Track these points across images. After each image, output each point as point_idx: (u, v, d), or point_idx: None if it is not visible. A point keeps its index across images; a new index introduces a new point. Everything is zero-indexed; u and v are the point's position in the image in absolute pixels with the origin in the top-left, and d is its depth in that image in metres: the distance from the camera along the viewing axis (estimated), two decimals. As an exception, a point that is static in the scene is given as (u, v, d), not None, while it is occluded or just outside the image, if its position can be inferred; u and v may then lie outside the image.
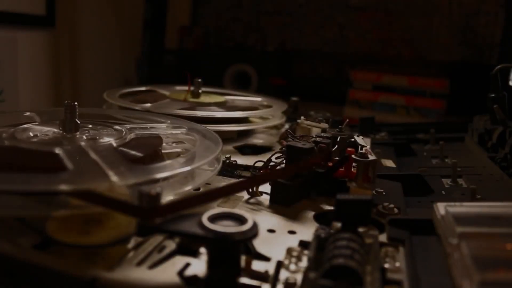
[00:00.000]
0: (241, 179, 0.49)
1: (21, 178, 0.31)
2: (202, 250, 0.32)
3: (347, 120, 0.63)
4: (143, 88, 0.86)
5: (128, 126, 0.51)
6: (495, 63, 1.44)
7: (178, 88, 0.85)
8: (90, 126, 0.49)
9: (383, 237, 0.37)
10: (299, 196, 0.44)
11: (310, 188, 0.45)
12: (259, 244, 0.33)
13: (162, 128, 0.52)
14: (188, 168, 0.38)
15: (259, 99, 0.81)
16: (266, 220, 0.39)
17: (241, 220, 0.30)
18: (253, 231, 0.29)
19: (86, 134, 0.46)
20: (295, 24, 1.90)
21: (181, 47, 1.91)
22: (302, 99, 0.89)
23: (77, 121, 0.46)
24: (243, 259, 0.30)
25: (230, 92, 0.87)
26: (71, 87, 1.45)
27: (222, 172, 0.50)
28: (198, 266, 0.30)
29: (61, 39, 1.37)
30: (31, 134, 0.45)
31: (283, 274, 0.30)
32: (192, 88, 0.78)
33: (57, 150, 0.39)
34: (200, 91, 0.77)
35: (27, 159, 0.40)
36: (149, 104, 0.66)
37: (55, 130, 0.47)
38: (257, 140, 0.67)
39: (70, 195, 0.32)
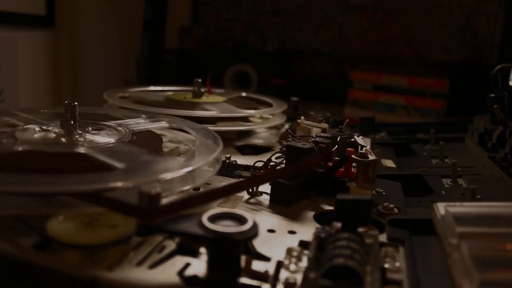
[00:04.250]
0: (241, 179, 0.49)
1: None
2: (202, 250, 0.32)
3: (347, 120, 0.63)
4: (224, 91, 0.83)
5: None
6: (495, 63, 1.44)
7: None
8: (90, 125, 0.49)
9: (383, 237, 0.37)
10: (299, 196, 0.44)
11: (310, 188, 0.45)
12: (259, 244, 0.33)
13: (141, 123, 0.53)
14: (188, 168, 0.38)
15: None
16: (266, 220, 0.39)
17: (241, 220, 0.30)
18: (253, 231, 0.29)
19: (86, 134, 0.46)
20: (295, 24, 1.90)
21: (181, 47, 1.91)
22: (302, 99, 0.89)
23: (77, 121, 0.46)
24: (243, 259, 0.30)
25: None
26: (71, 87, 1.45)
27: (222, 172, 0.50)
28: (198, 266, 0.30)
29: (61, 39, 1.37)
30: (31, 135, 0.45)
31: (283, 274, 0.30)
32: (191, 88, 0.78)
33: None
34: (202, 90, 0.77)
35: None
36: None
37: (56, 130, 0.47)
38: (257, 140, 0.67)
39: (70, 195, 0.32)
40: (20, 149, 0.40)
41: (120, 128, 0.49)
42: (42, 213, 0.32)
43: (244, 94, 0.88)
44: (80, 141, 0.44)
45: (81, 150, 0.40)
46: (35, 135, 0.45)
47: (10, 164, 0.38)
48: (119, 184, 0.32)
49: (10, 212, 0.32)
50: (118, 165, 0.37)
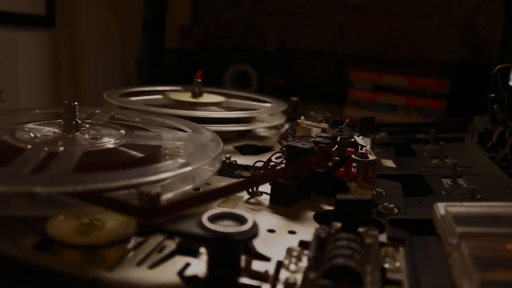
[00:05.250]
0: (241, 179, 0.49)
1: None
2: (202, 250, 0.32)
3: (347, 120, 0.63)
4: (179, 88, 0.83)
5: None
6: (495, 63, 1.44)
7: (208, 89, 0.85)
8: (90, 126, 0.49)
9: (383, 237, 0.37)
10: (299, 196, 0.44)
11: (310, 188, 0.45)
12: (259, 244, 0.33)
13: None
14: (188, 168, 0.38)
15: (266, 104, 0.80)
16: (266, 220, 0.39)
17: (241, 220, 0.30)
18: (253, 231, 0.29)
19: (86, 134, 0.46)
20: (295, 24, 1.90)
21: (181, 47, 1.91)
22: (302, 99, 0.89)
23: (78, 121, 0.46)
24: (243, 259, 0.30)
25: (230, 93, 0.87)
26: (71, 87, 1.45)
27: (222, 172, 0.50)
28: (198, 266, 0.30)
29: (61, 39, 1.37)
30: (32, 134, 0.45)
31: (283, 274, 0.30)
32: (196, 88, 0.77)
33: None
34: (197, 91, 0.77)
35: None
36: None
37: (55, 130, 0.47)
38: (257, 140, 0.67)
39: (70, 195, 0.32)
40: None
41: (119, 128, 0.49)
42: (43, 214, 0.32)
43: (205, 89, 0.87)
44: (72, 140, 0.45)
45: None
46: (32, 133, 0.45)
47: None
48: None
49: (10, 212, 0.32)
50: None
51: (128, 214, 0.30)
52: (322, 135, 0.51)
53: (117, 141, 0.45)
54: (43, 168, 0.36)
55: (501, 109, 0.61)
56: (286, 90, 1.61)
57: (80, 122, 0.46)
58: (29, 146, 0.41)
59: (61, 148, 0.41)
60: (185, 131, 0.53)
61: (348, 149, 0.47)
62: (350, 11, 1.81)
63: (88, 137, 0.45)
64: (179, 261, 0.31)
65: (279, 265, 0.31)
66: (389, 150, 0.67)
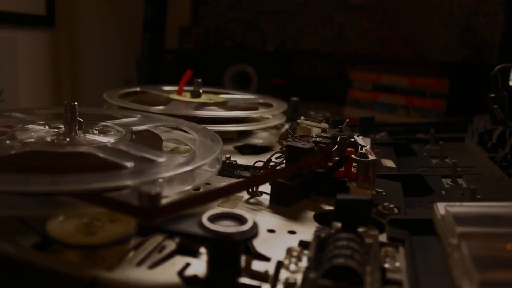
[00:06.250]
0: (241, 179, 0.49)
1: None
2: (202, 250, 0.32)
3: (347, 120, 0.63)
4: (137, 89, 0.85)
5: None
6: (495, 63, 1.44)
7: (166, 88, 0.85)
8: (90, 125, 0.49)
9: (383, 237, 0.37)
10: (299, 196, 0.44)
11: (310, 188, 0.45)
12: (259, 244, 0.33)
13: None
14: (188, 168, 0.38)
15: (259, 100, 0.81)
16: (266, 220, 0.39)
17: (241, 220, 0.30)
18: (253, 231, 0.29)
19: (87, 134, 0.46)
20: (295, 24, 1.90)
21: (181, 47, 1.91)
22: (302, 99, 0.89)
23: (80, 120, 0.46)
24: (243, 259, 0.30)
25: (229, 92, 0.87)
26: (71, 87, 1.45)
27: (222, 172, 0.50)
28: (198, 266, 0.30)
29: (61, 39, 1.37)
30: (32, 135, 0.45)
31: (283, 274, 0.30)
32: (192, 88, 0.78)
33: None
34: (201, 90, 0.77)
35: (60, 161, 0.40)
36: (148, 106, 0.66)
37: (56, 130, 0.47)
38: (257, 140, 0.67)
39: (71, 195, 0.32)
40: (24, 149, 0.40)
41: (119, 128, 0.49)
42: (43, 214, 0.32)
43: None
44: (82, 140, 0.44)
45: (86, 149, 0.41)
46: (36, 135, 0.45)
47: (14, 164, 0.38)
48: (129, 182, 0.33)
49: (10, 212, 0.32)
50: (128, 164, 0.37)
51: (128, 214, 0.30)
52: (322, 135, 0.51)
53: (118, 140, 0.45)
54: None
55: (501, 109, 0.61)
56: (286, 90, 1.61)
57: (82, 121, 0.47)
58: (83, 148, 0.40)
59: (110, 145, 0.42)
60: (186, 132, 0.53)
61: (348, 149, 0.47)
62: (350, 11, 1.81)
63: (89, 137, 0.45)
64: (179, 261, 0.31)
65: (279, 265, 0.31)
66: (389, 150, 0.67)
